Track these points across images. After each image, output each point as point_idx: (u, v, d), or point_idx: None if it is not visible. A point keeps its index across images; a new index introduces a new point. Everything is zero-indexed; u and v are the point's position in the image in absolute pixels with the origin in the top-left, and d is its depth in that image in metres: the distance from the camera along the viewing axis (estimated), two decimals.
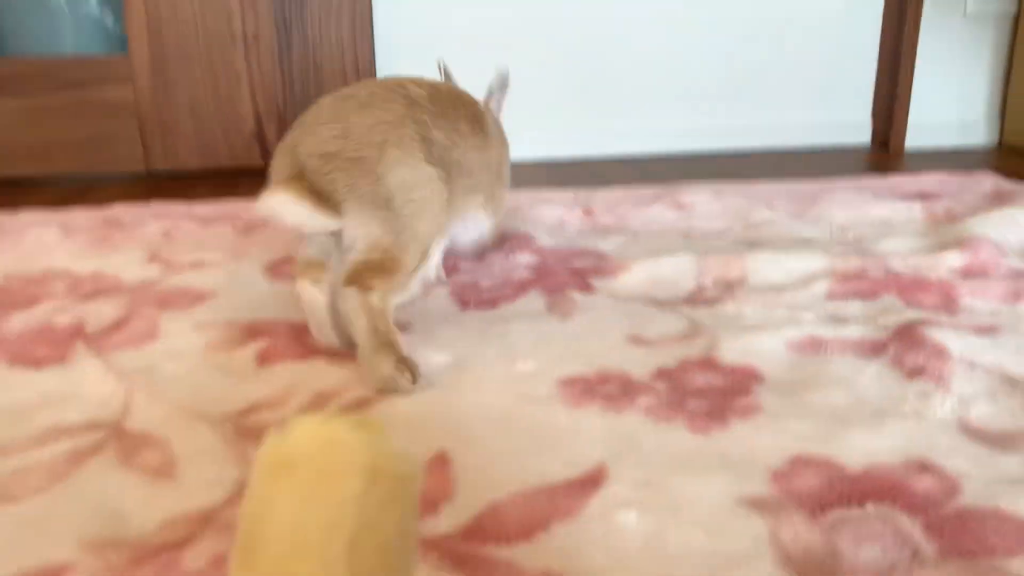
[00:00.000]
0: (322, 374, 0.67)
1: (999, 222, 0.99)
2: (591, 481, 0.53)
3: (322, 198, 0.65)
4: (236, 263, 0.93)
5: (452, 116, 0.75)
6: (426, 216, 0.68)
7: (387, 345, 0.63)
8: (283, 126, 1.43)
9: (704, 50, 1.57)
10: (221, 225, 1.09)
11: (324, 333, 0.70)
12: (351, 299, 0.64)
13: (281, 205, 0.65)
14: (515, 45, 1.51)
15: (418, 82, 0.76)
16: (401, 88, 0.73)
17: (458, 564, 0.45)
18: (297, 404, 0.62)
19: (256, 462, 0.20)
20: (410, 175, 0.68)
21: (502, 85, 0.91)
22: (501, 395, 0.64)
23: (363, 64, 1.42)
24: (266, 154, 1.44)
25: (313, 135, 0.67)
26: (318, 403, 0.62)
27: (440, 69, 0.93)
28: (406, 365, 0.63)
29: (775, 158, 1.55)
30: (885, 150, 1.62)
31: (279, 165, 0.69)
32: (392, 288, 0.66)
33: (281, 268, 0.92)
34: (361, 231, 0.66)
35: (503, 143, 0.87)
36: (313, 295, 0.68)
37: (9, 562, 0.46)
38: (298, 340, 0.73)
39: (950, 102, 1.66)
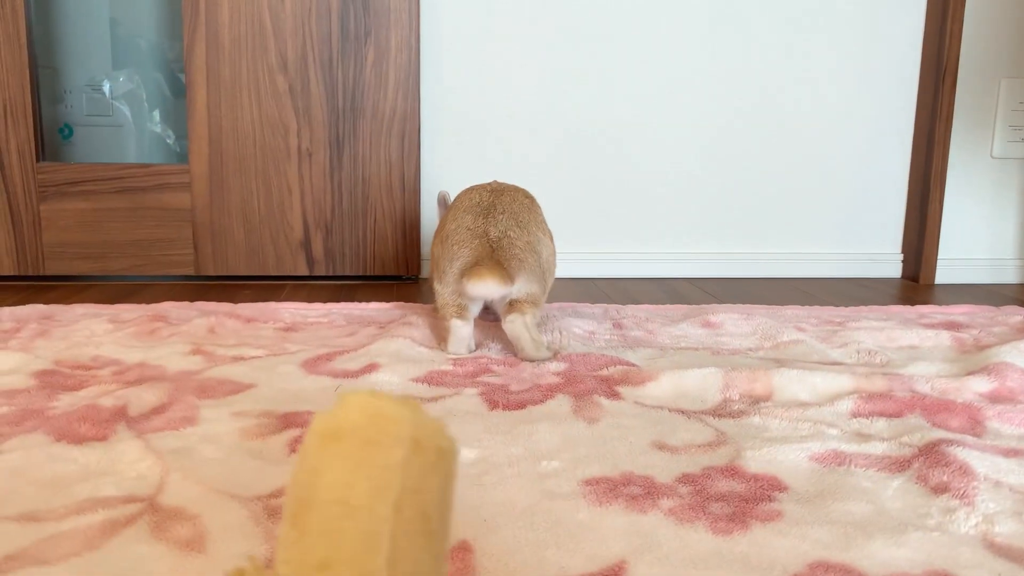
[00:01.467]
0: None
1: None
2: (611, 575, 0.53)
3: (504, 274, 0.95)
4: (275, 359, 0.97)
5: (532, 199, 1.07)
6: (552, 270, 1.05)
7: (538, 341, 0.99)
8: (329, 237, 1.49)
9: (735, 184, 1.63)
10: (263, 324, 1.13)
11: (460, 348, 1.01)
12: (517, 320, 0.98)
13: (489, 287, 0.94)
14: (551, 176, 1.58)
15: (498, 182, 1.08)
16: (506, 184, 1.07)
17: None
18: None
19: (307, 434, 0.22)
20: (548, 248, 1.03)
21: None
22: (525, 491, 0.65)
23: (409, 181, 1.49)
24: (312, 263, 1.50)
25: (496, 224, 0.99)
26: None
27: (441, 200, 1.17)
28: (548, 349, 1.01)
29: (805, 284, 1.58)
30: (915, 284, 1.64)
31: (472, 244, 0.98)
32: (536, 312, 1.00)
33: (316, 365, 0.94)
34: (525, 289, 0.98)
35: None
36: (459, 324, 1.00)
37: None
38: None
39: (981, 240, 1.69)
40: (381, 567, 0.19)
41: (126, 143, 1.93)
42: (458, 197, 1.06)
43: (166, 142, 1.95)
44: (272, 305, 1.24)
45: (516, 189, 1.06)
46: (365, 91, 1.47)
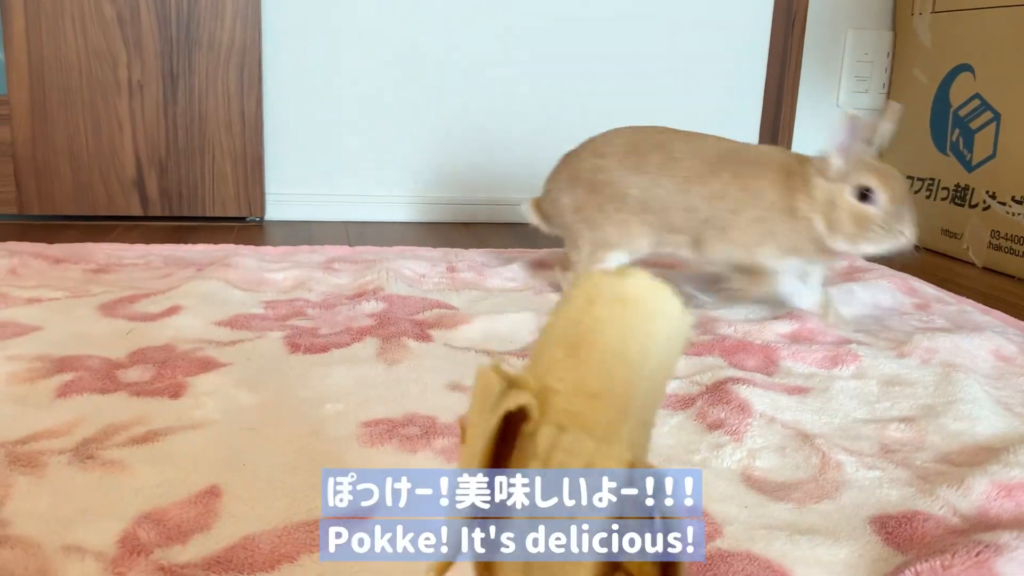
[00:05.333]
0: (119, 407, 0.65)
1: (836, 295, 1.03)
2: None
3: None
4: (74, 301, 0.91)
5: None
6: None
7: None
8: (164, 175, 1.42)
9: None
10: (72, 265, 1.07)
11: None
12: None
13: None
14: (401, 105, 1.53)
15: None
16: None
17: None
18: (80, 435, 0.60)
19: (596, 288, 0.26)
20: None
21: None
22: (300, 434, 0.63)
23: (249, 116, 1.42)
24: (146, 203, 1.42)
25: None
26: (105, 435, 0.61)
27: None
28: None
29: None
30: None
31: None
32: None
33: (115, 307, 0.90)
34: None
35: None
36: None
37: None
38: (107, 375, 0.71)
39: None
40: (634, 407, 0.25)
41: None
42: None
43: None
44: (89, 246, 1.17)
45: None
46: (200, 21, 1.39)
